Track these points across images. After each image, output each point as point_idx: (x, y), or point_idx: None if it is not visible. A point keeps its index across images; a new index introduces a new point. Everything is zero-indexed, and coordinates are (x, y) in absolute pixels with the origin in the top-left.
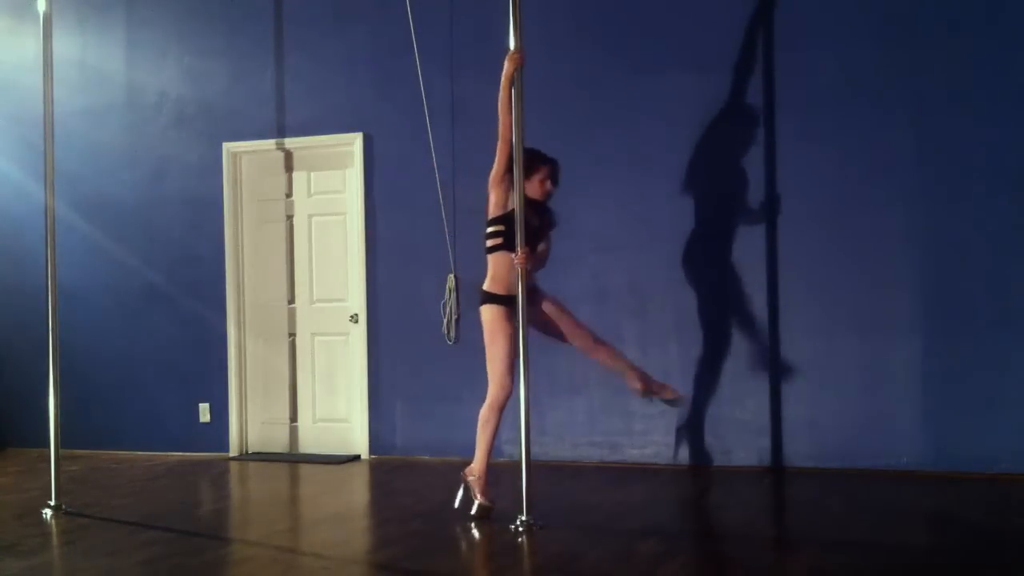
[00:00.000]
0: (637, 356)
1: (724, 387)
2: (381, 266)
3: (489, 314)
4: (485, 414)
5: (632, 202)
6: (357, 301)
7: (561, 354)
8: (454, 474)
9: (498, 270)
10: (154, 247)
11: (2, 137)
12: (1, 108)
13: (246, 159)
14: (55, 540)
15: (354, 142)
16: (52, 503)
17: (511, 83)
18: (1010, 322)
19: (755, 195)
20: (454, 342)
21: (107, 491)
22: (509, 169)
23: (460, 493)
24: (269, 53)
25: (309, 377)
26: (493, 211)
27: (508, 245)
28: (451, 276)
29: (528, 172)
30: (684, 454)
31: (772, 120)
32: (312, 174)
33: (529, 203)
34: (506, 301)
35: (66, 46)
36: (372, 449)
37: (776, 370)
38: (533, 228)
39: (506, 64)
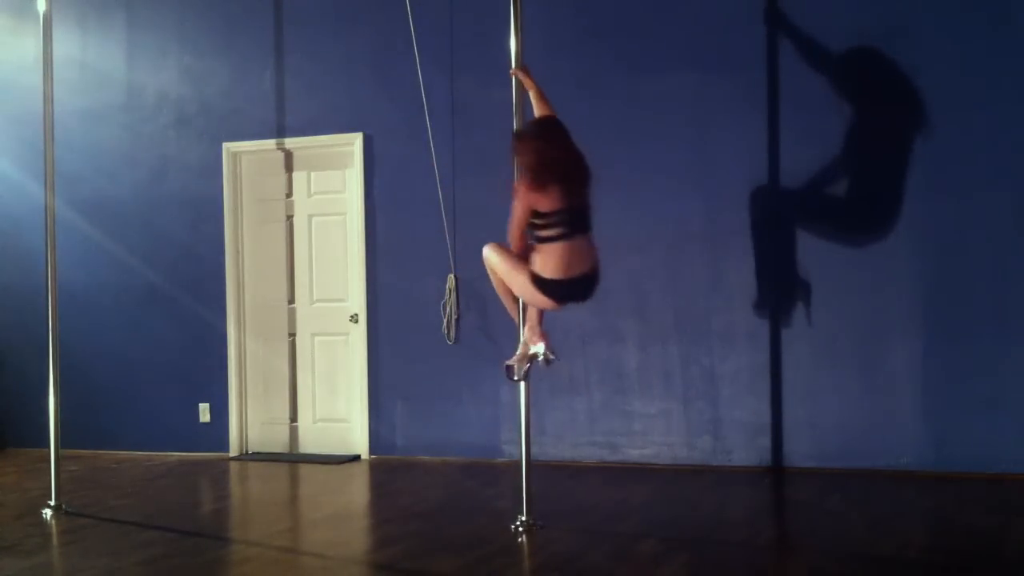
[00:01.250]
0: (637, 357)
1: (724, 387)
2: (381, 266)
3: None
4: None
5: (632, 202)
6: (357, 301)
7: (561, 354)
8: (454, 474)
9: None
10: (154, 247)
11: (2, 137)
12: (1, 108)
13: (246, 159)
14: (55, 540)
15: (354, 142)
16: (52, 503)
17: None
18: (1010, 322)
19: (755, 195)
20: (454, 342)
21: (107, 491)
22: None
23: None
24: (269, 53)
25: (309, 377)
26: None
27: None
28: (451, 276)
29: None
30: (685, 453)
31: (772, 120)
32: (312, 174)
33: None
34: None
35: (66, 46)
36: (372, 449)
37: (776, 370)
38: None
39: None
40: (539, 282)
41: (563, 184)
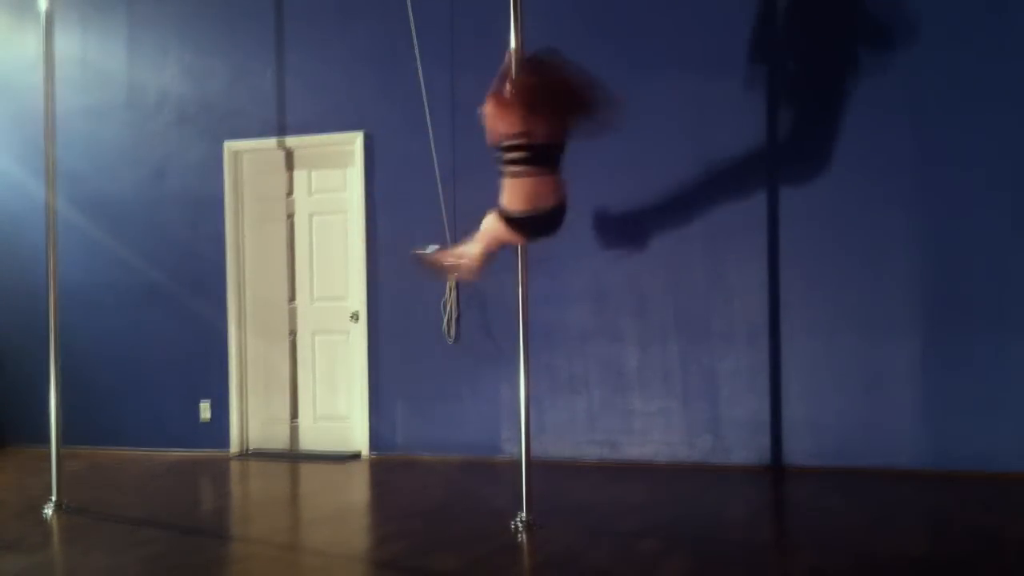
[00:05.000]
0: (637, 356)
1: (724, 386)
2: (381, 265)
3: None
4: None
5: (632, 202)
6: (357, 300)
7: (561, 353)
8: (454, 473)
9: None
10: (155, 245)
11: (3, 136)
12: (2, 107)
13: (247, 158)
14: (56, 538)
15: (355, 141)
16: (53, 501)
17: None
18: (1009, 322)
19: (755, 194)
20: (454, 341)
21: (108, 489)
22: None
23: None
24: (270, 52)
25: (310, 375)
26: None
27: None
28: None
29: None
30: (684, 451)
31: (771, 120)
32: (313, 173)
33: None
34: None
35: (67, 44)
36: (372, 447)
37: (776, 369)
38: None
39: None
40: (508, 220)
41: (530, 110)
